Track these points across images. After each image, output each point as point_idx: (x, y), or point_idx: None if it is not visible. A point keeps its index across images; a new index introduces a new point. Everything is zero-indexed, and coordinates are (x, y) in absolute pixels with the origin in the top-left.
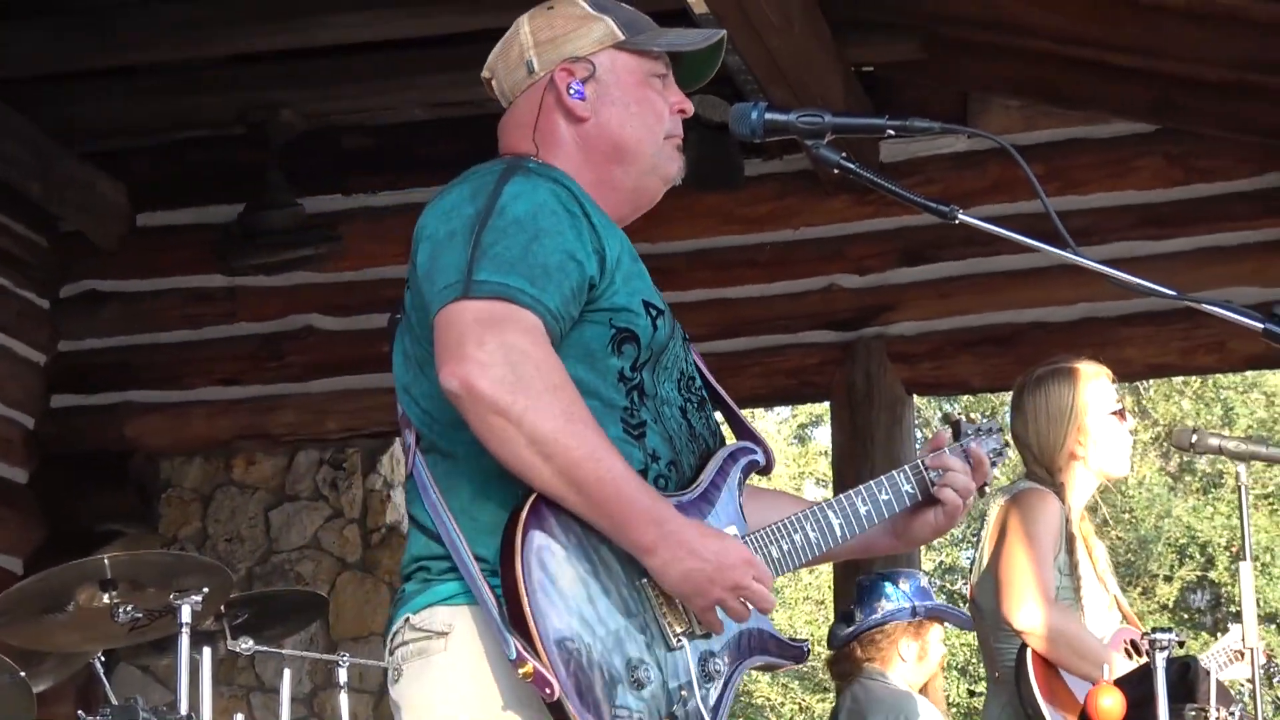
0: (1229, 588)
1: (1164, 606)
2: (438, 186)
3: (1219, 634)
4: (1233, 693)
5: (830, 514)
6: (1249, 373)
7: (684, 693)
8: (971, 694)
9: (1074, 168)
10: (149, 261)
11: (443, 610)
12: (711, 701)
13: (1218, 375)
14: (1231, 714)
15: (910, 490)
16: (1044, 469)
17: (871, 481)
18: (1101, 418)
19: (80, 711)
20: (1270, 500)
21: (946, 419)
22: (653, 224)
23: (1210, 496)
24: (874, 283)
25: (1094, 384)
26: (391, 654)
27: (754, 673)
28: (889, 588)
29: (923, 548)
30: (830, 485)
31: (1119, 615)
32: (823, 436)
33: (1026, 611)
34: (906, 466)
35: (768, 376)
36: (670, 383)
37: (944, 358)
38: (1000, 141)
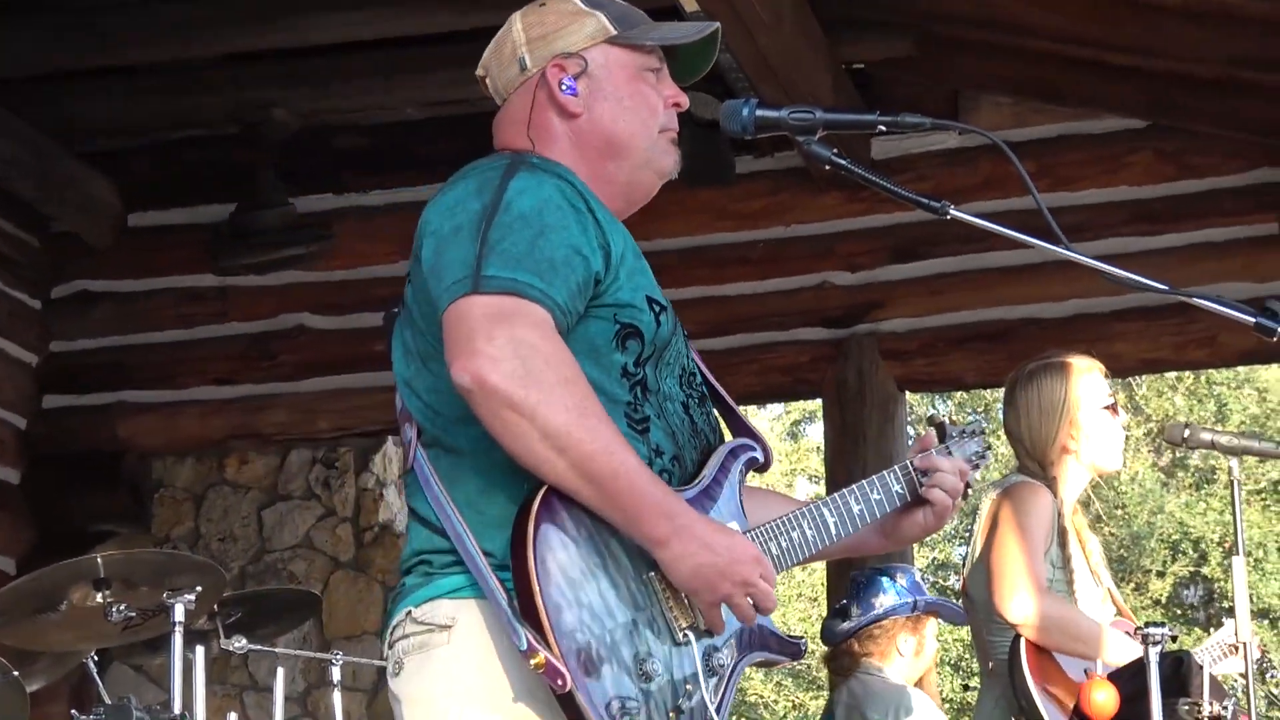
0: (1222, 583)
1: (1156, 602)
2: (430, 185)
3: (1212, 629)
4: (1226, 687)
5: (826, 512)
6: (1242, 368)
7: (689, 686)
8: (966, 688)
9: (1065, 164)
10: (140, 261)
11: (446, 604)
12: (715, 696)
13: (1211, 371)
14: (1225, 708)
15: (900, 490)
16: (1036, 463)
17: (863, 481)
18: (1094, 412)
19: (74, 711)
20: (1263, 496)
21: (930, 421)
22: (645, 221)
23: (1203, 492)
24: (866, 280)
25: (1086, 378)
26: (391, 647)
27: (748, 669)
28: (886, 582)
29: (916, 544)
30: (823, 482)
31: (1113, 609)
32: (815, 433)
33: (1019, 602)
34: (896, 467)
35: (761, 374)
36: (672, 378)
37: (936, 354)
38: (992, 138)
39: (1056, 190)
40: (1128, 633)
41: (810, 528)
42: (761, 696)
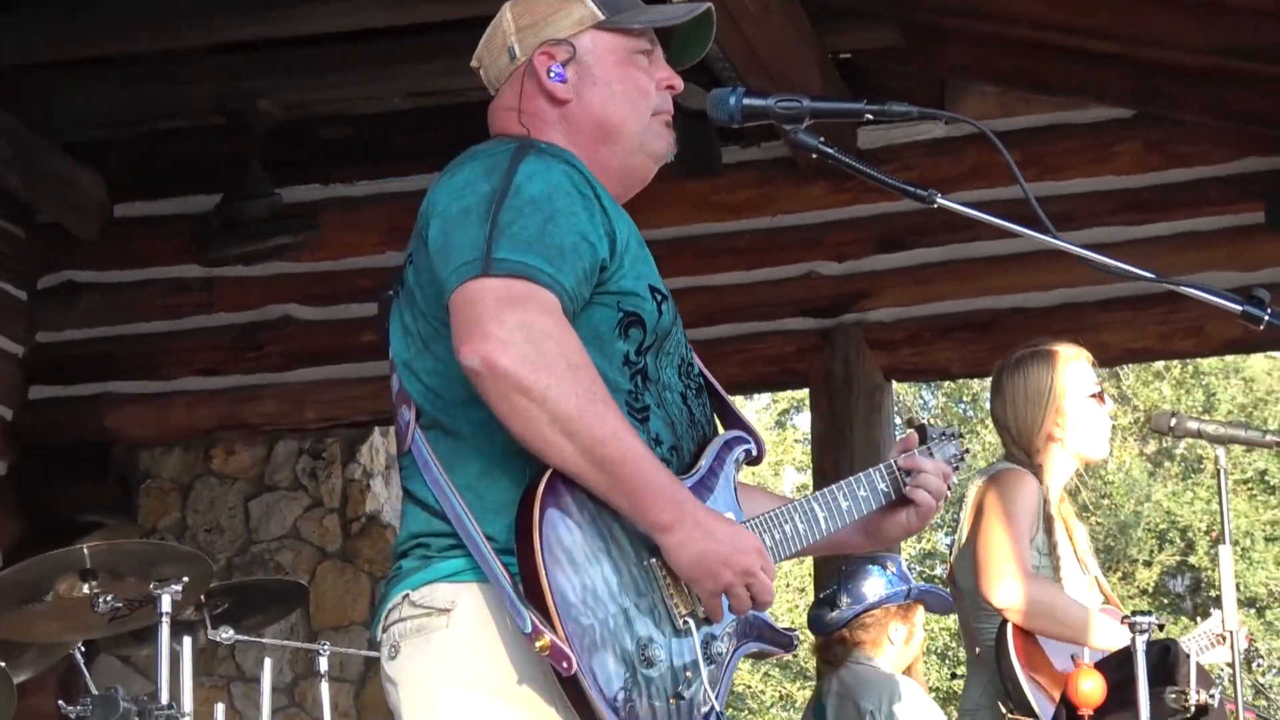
0: (1209, 572)
1: (1144, 591)
2: (416, 176)
3: (1199, 618)
4: (1213, 676)
5: (816, 507)
6: (1230, 357)
7: (689, 673)
8: (953, 677)
9: (1052, 153)
10: (127, 252)
11: (444, 587)
12: (714, 684)
13: (1199, 360)
14: (1211, 697)
15: (885, 489)
16: (1022, 450)
17: (850, 478)
18: (1080, 400)
19: (61, 702)
20: (1249, 485)
21: (910, 423)
22: (631, 210)
23: (1190, 481)
24: (852, 269)
25: (1073, 366)
26: (386, 631)
27: None
28: (877, 571)
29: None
30: (809, 472)
31: (1100, 597)
32: (802, 423)
33: (1005, 588)
34: (881, 466)
35: (747, 364)
36: (672, 368)
37: (923, 344)
38: (979, 126)
39: (1043, 180)
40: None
41: (801, 522)
42: (749, 686)
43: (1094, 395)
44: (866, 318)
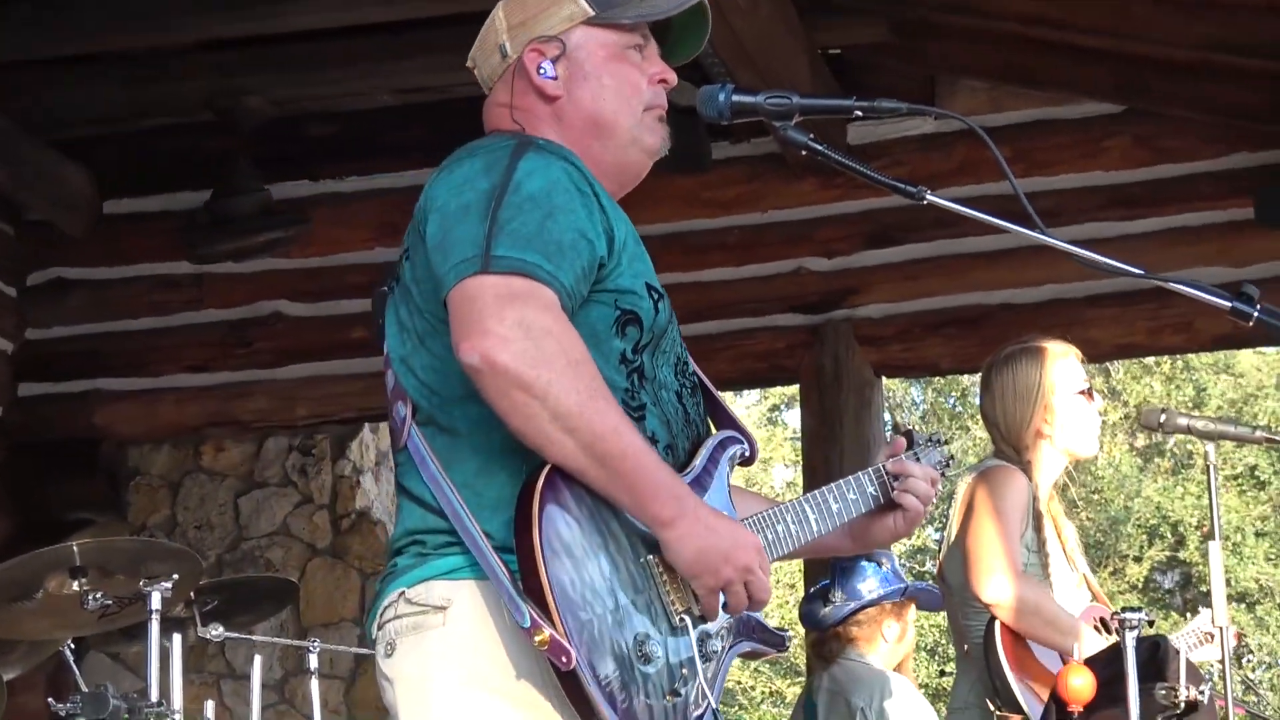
0: (1199, 567)
1: (1134, 586)
2: (405, 172)
3: (1188, 614)
4: (1202, 672)
5: (807, 509)
6: (1220, 353)
7: (685, 671)
8: (942, 674)
9: (1041, 149)
10: (115, 249)
11: (441, 584)
12: (709, 681)
13: (1189, 355)
14: (1201, 693)
15: (873, 493)
16: (1011, 447)
17: (840, 481)
18: (1069, 397)
19: (50, 699)
20: (1239, 480)
21: (898, 429)
22: (621, 207)
23: (1180, 477)
24: (842, 265)
25: (1062, 363)
26: (381, 628)
27: None
28: (871, 568)
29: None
30: (799, 468)
31: (1088, 594)
32: (791, 419)
33: (994, 584)
34: (869, 469)
35: (737, 360)
36: (668, 367)
37: (912, 340)
38: (968, 123)
39: (1032, 175)
40: (1103, 618)
41: (793, 523)
42: (739, 683)
43: (1083, 392)
44: (856, 314)
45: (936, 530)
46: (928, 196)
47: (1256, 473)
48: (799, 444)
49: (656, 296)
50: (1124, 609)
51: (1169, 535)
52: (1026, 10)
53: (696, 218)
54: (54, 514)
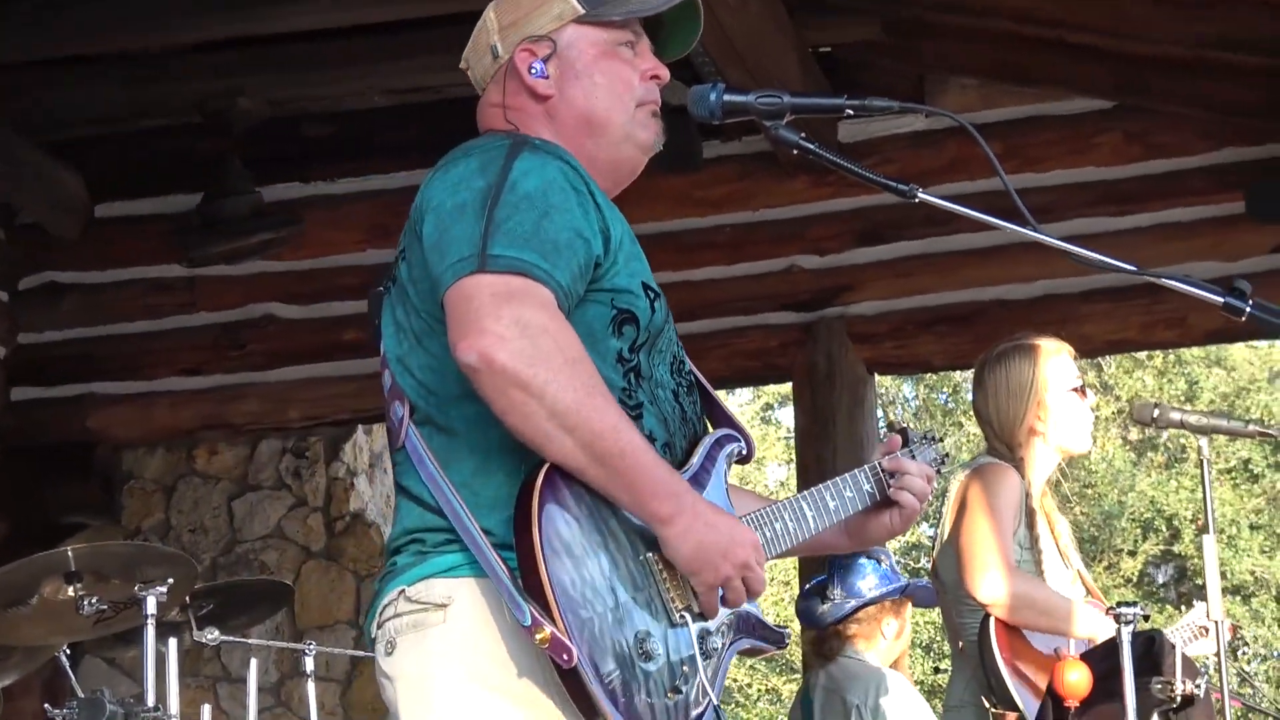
0: (1194, 561)
1: (1128, 581)
2: (398, 173)
3: (1183, 608)
4: (1198, 665)
5: (804, 506)
6: (1212, 347)
7: (686, 668)
8: (937, 670)
9: (1032, 145)
10: (108, 252)
11: (440, 582)
12: (710, 678)
13: (1181, 350)
14: (1197, 686)
15: (870, 490)
16: (1004, 444)
17: (836, 479)
18: (1062, 394)
19: (47, 705)
20: (1233, 474)
21: (892, 427)
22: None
23: (1174, 471)
24: (834, 263)
25: (1055, 360)
26: (381, 627)
27: None
28: (871, 565)
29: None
30: (792, 466)
31: (1083, 590)
32: (785, 418)
33: (989, 583)
34: (865, 467)
35: (729, 358)
36: (664, 366)
37: (905, 337)
38: (959, 120)
39: (1024, 172)
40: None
41: (791, 520)
42: (735, 681)
43: (1075, 389)
44: (848, 311)
45: (931, 526)
46: (920, 194)
47: (1250, 466)
48: (792, 443)
49: (653, 296)
50: (1119, 604)
51: (1163, 529)
52: (1017, 7)
53: (688, 216)
54: (48, 518)
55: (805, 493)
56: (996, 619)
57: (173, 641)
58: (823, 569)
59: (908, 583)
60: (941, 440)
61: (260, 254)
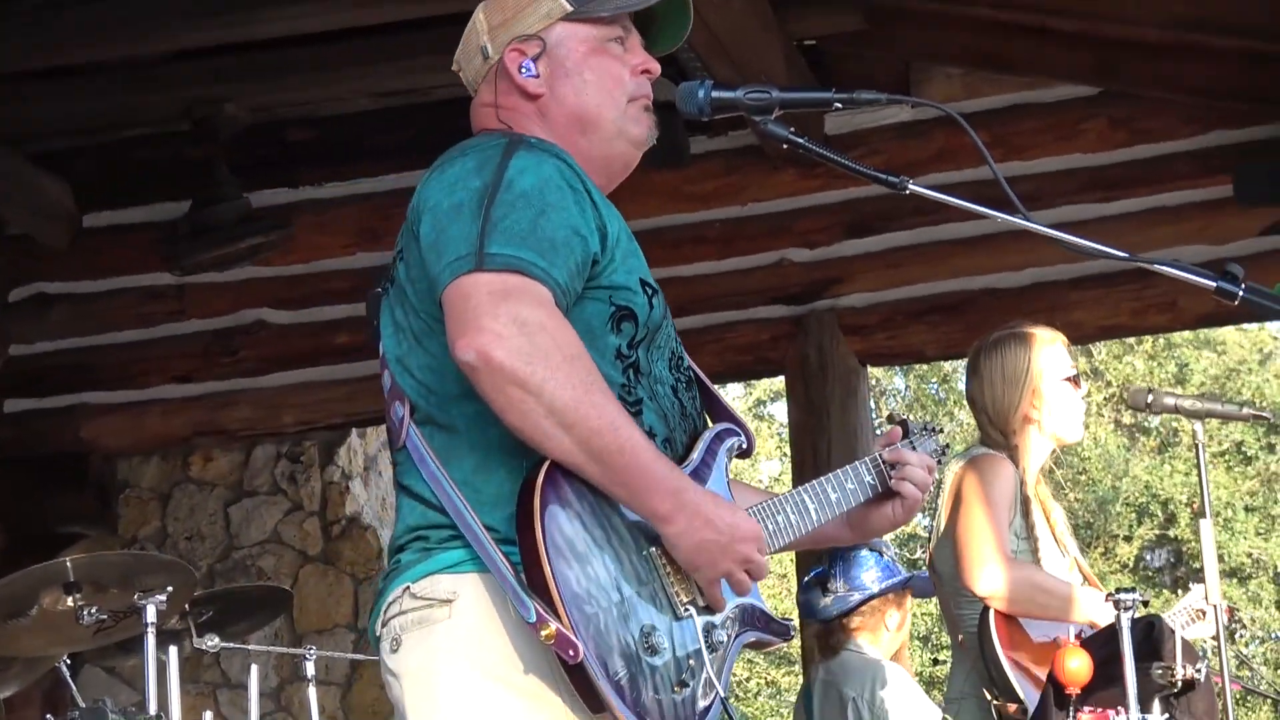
0: (1191, 544)
1: (1125, 566)
2: (385, 176)
3: (1180, 592)
4: (1197, 649)
5: (806, 499)
6: (1201, 329)
7: (692, 662)
8: (935, 662)
9: (1018, 133)
10: (96, 262)
11: (445, 578)
12: (716, 671)
13: (1171, 333)
14: (1198, 671)
15: (871, 481)
16: (999, 431)
17: (837, 471)
18: (1055, 383)
19: (48, 716)
20: (1226, 456)
21: (892, 419)
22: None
23: (1167, 455)
24: (823, 256)
25: (1049, 349)
26: (386, 625)
27: None
28: (874, 557)
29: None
30: (787, 460)
31: (1080, 578)
32: (778, 412)
33: (987, 575)
34: (866, 459)
35: (721, 353)
36: (663, 362)
37: (896, 328)
38: (946, 110)
39: (1010, 160)
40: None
41: (793, 513)
42: (733, 674)
43: (1069, 378)
44: (839, 303)
45: (927, 518)
46: (910, 186)
47: (1243, 448)
48: (784, 437)
49: (651, 292)
50: (1118, 590)
51: (1158, 514)
52: None
53: (677, 212)
54: (45, 529)
55: (806, 485)
56: (996, 610)
57: (173, 649)
58: (822, 560)
59: (911, 575)
60: (942, 431)
61: (251, 259)
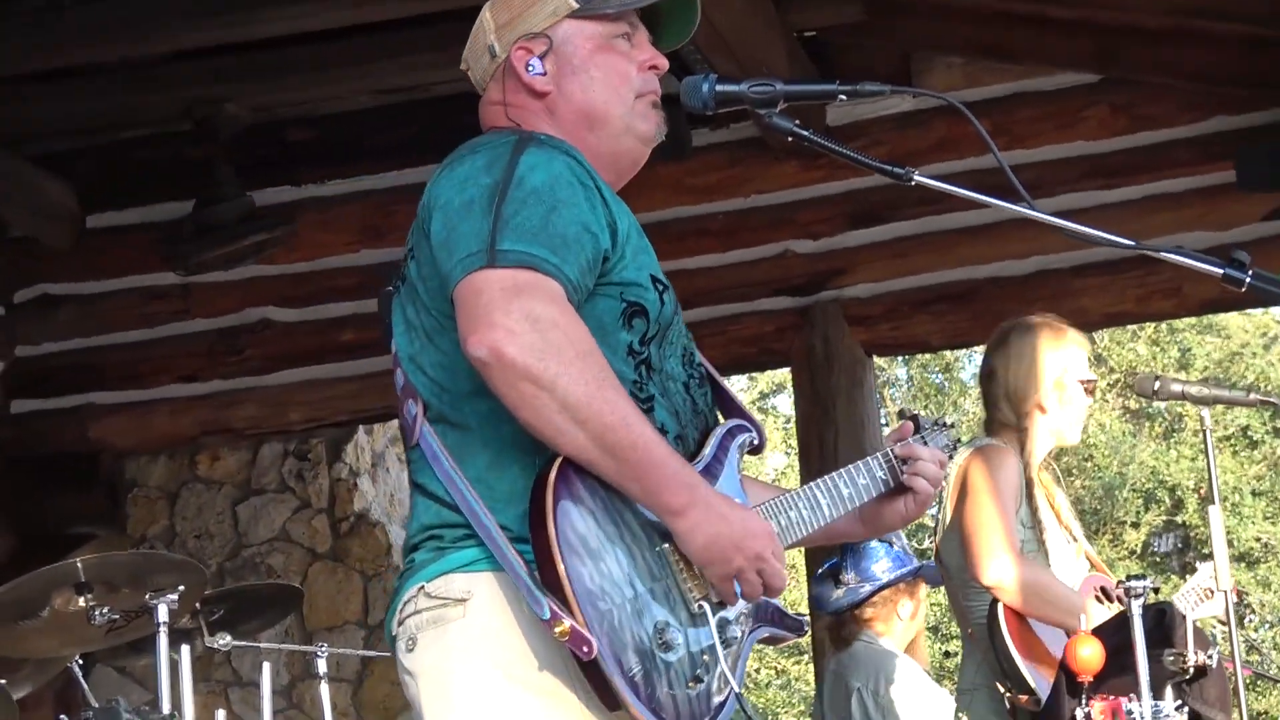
0: (1198, 530)
1: (1132, 553)
2: (387, 173)
3: (1188, 577)
4: (1208, 635)
5: (818, 494)
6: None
7: (706, 658)
8: (946, 655)
9: (1019, 122)
10: (100, 262)
11: (460, 577)
12: (731, 666)
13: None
14: (1209, 657)
15: (883, 476)
16: (1013, 411)
17: (848, 466)
18: (1074, 383)
19: (62, 716)
20: (1232, 441)
21: (903, 414)
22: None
23: (1173, 440)
24: (827, 246)
25: (1077, 350)
26: (402, 624)
27: None
28: (884, 548)
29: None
30: (792, 454)
31: (1087, 563)
32: (781, 405)
33: (994, 566)
34: (878, 454)
35: (727, 345)
36: (675, 358)
37: (901, 318)
38: (950, 100)
39: (1011, 148)
40: (1104, 588)
41: (805, 508)
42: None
43: (1085, 382)
44: (844, 294)
45: (934, 508)
46: (915, 178)
47: (1249, 433)
48: (788, 430)
49: (661, 288)
50: (1128, 577)
51: (1165, 499)
52: None
53: (680, 205)
54: (54, 530)
55: (818, 480)
56: (1005, 603)
57: (185, 649)
58: (833, 553)
59: (921, 564)
60: (953, 426)
61: (255, 256)
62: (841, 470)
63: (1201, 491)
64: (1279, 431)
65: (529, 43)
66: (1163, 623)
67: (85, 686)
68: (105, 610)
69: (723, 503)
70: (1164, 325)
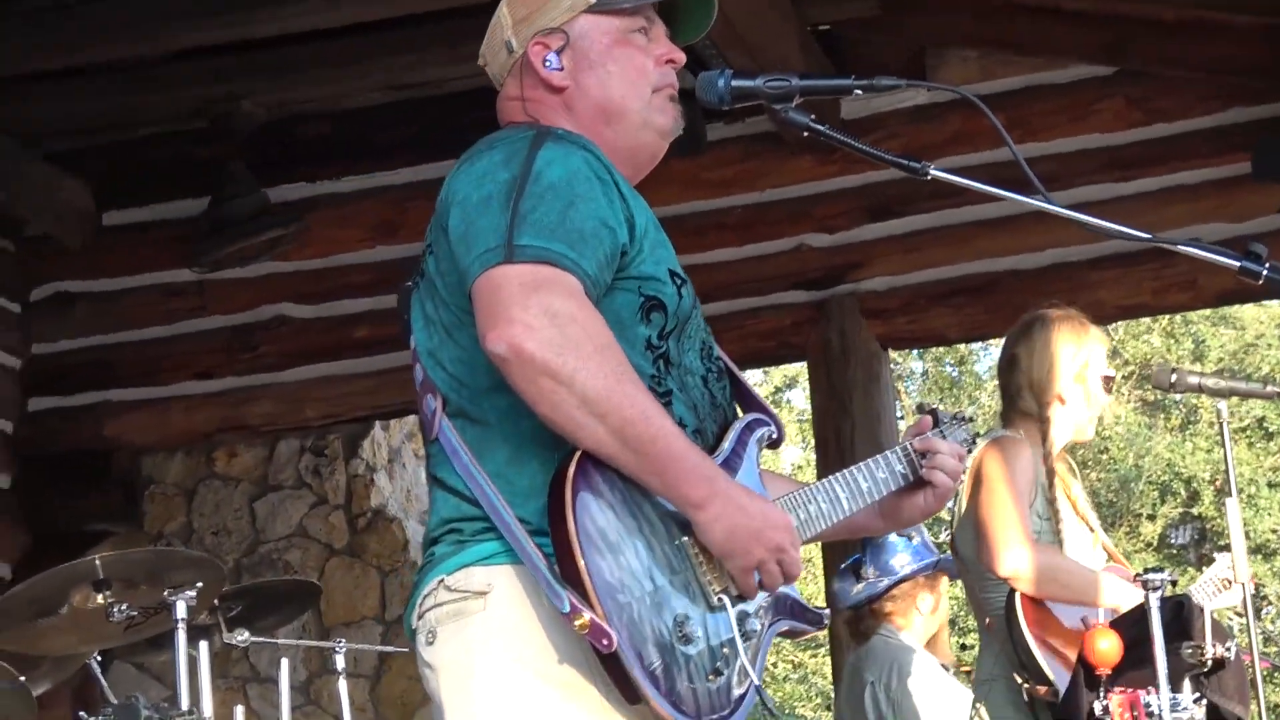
0: (1215, 522)
1: (1149, 545)
2: (402, 170)
3: (1205, 569)
4: (1226, 628)
5: (837, 488)
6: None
7: (726, 651)
8: (963, 648)
9: (1034, 115)
10: (116, 260)
11: (479, 570)
12: (750, 659)
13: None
14: (1228, 650)
15: (902, 470)
16: (1036, 401)
17: (868, 460)
18: (1095, 378)
19: (81, 713)
20: (1248, 433)
21: (922, 408)
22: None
23: (1189, 432)
24: (843, 240)
25: (1099, 346)
26: (421, 617)
27: None
28: (903, 542)
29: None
30: (808, 448)
31: (1104, 555)
32: (797, 399)
33: (1010, 557)
34: (896, 448)
35: (743, 339)
36: (693, 352)
37: (917, 311)
38: (964, 93)
39: (1026, 141)
40: (1123, 579)
41: (825, 502)
42: None
43: (1106, 378)
44: (860, 288)
45: (952, 501)
46: (932, 172)
47: (1265, 424)
48: (804, 424)
49: (679, 282)
50: (1147, 569)
51: (1181, 491)
52: None
53: (695, 200)
54: (71, 527)
55: (837, 474)
56: (1022, 593)
57: (204, 645)
58: (855, 549)
59: (940, 557)
60: (972, 420)
61: (270, 253)
62: (860, 464)
63: (1217, 484)
64: None
65: (546, 38)
66: (1181, 615)
67: (104, 683)
68: (123, 607)
69: (743, 495)
70: (1178, 317)
